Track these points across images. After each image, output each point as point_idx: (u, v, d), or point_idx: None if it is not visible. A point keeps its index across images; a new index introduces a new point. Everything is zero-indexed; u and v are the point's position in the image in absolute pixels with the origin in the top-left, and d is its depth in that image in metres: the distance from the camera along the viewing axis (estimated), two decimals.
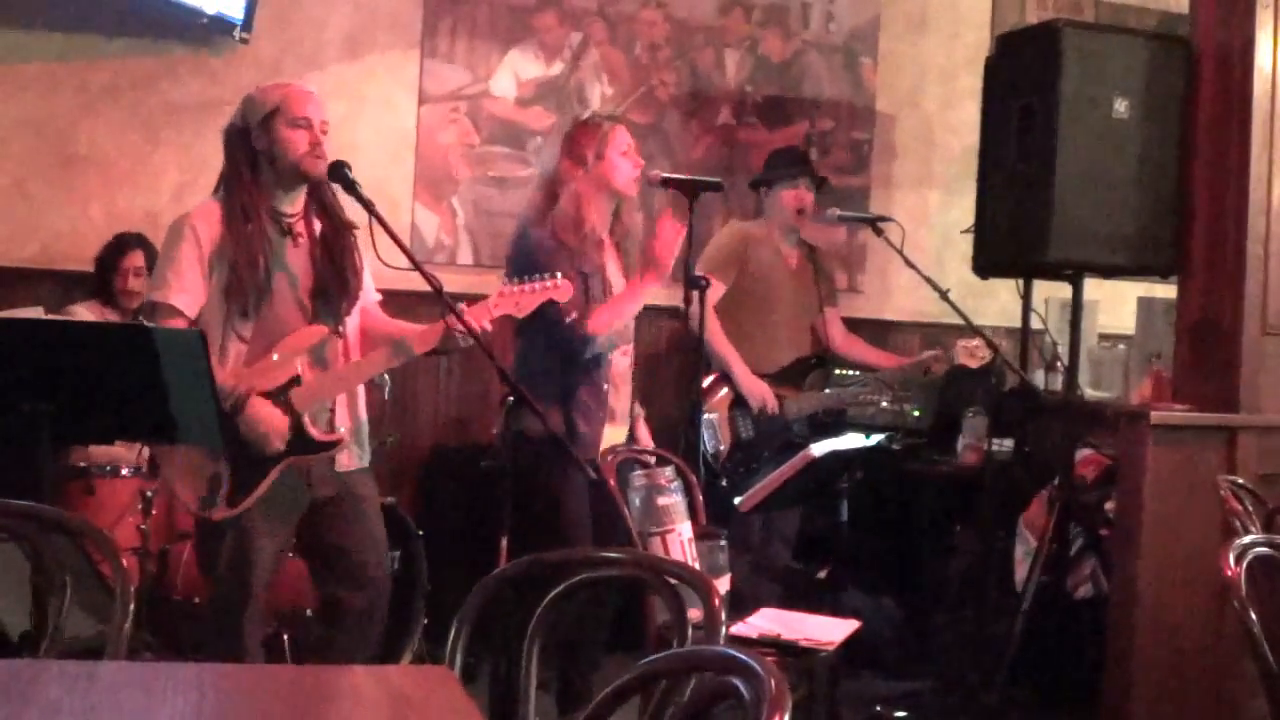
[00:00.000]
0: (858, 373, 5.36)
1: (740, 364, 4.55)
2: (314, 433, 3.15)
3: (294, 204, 3.20)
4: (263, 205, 3.14)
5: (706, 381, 4.47)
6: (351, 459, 3.29)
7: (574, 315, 3.59)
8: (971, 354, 4.57)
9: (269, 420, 3.08)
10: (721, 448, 4.48)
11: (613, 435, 3.85)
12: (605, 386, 3.78)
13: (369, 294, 3.36)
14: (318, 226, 3.23)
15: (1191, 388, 4.12)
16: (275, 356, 3.12)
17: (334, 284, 3.19)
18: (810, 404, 4.69)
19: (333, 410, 3.23)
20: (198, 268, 3.10)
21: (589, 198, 3.71)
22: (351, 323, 3.27)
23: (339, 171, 3.13)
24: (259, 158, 3.14)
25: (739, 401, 4.57)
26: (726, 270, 4.63)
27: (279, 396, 3.11)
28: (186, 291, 3.10)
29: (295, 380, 3.13)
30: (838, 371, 5.33)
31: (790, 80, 5.82)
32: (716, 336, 4.52)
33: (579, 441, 3.65)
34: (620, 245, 3.86)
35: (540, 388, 3.64)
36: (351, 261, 3.22)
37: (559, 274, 3.31)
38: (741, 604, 3.63)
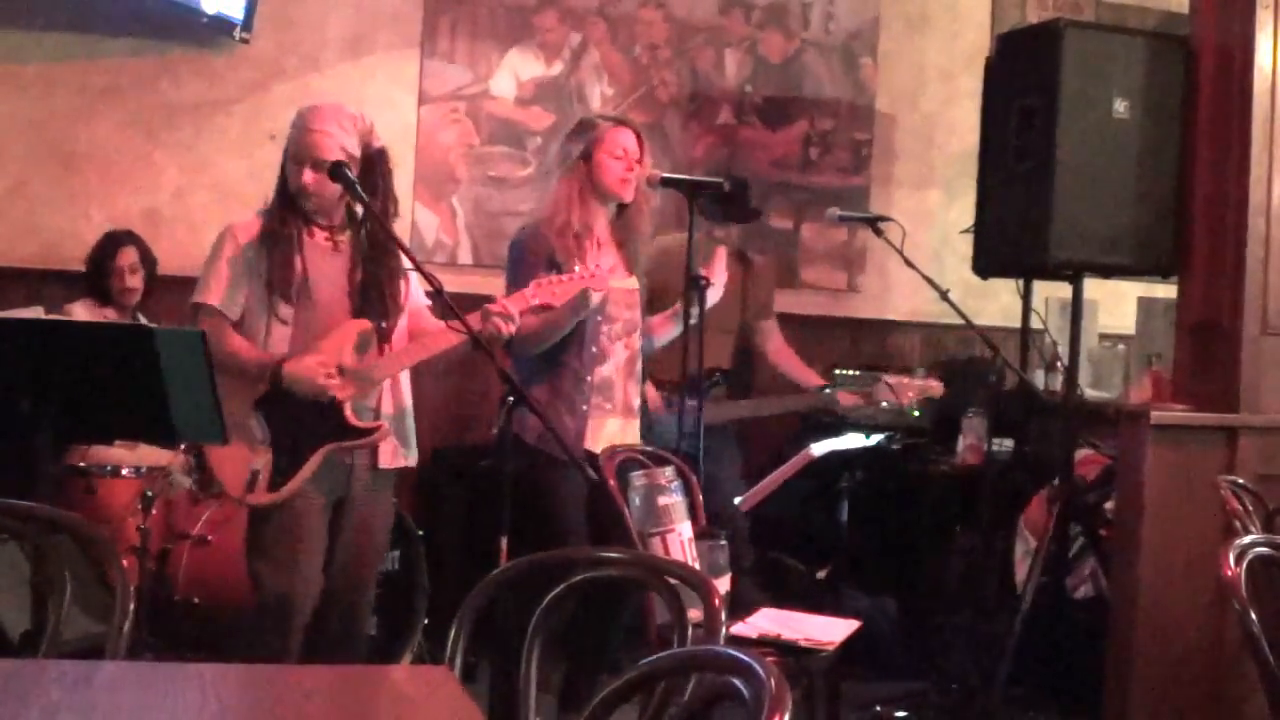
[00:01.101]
0: (857, 373, 5.36)
1: None
2: (352, 420, 3.18)
3: (333, 216, 3.26)
4: (300, 215, 3.22)
5: None
6: (395, 455, 3.31)
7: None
8: (894, 392, 4.46)
9: (311, 366, 3.12)
10: None
11: (621, 428, 3.83)
12: (588, 379, 3.76)
13: (417, 298, 3.40)
14: (362, 236, 3.27)
15: (1191, 388, 4.12)
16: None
17: (374, 291, 3.25)
18: (718, 414, 4.55)
19: (377, 407, 3.27)
20: (237, 269, 3.20)
21: (572, 197, 3.72)
22: (398, 326, 3.31)
23: (339, 172, 3.15)
24: None
25: None
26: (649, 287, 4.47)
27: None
28: (226, 293, 3.20)
29: (339, 369, 3.17)
30: (838, 372, 5.33)
31: (790, 80, 5.82)
32: None
33: (562, 435, 3.66)
34: (623, 246, 3.86)
35: (525, 382, 3.67)
36: (392, 280, 3.26)
37: (594, 265, 3.37)
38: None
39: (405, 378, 3.37)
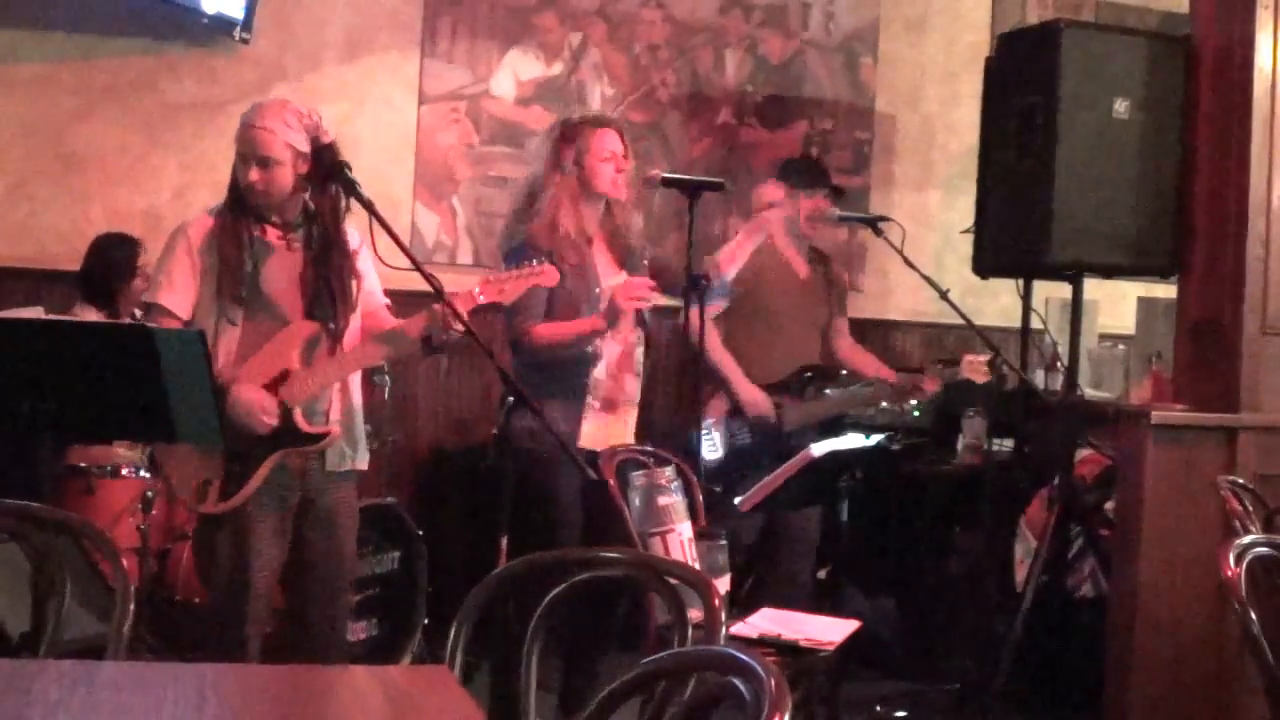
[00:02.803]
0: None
1: (738, 373, 4.44)
2: (302, 425, 3.17)
3: (284, 214, 3.24)
4: (251, 214, 3.21)
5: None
6: (340, 460, 3.30)
7: (527, 320, 3.67)
8: (976, 370, 4.49)
9: (254, 399, 3.11)
10: (718, 455, 4.42)
11: (614, 426, 3.83)
12: (585, 382, 3.77)
13: (373, 297, 3.39)
14: (314, 235, 3.25)
15: (1191, 388, 4.12)
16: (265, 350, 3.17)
17: (326, 291, 3.23)
18: (810, 413, 4.57)
19: (328, 409, 3.24)
20: (188, 268, 3.19)
21: (565, 202, 3.75)
22: (350, 327, 3.29)
23: (339, 172, 3.15)
24: None
25: (736, 410, 4.49)
26: (739, 280, 4.53)
27: (268, 390, 3.15)
28: (178, 292, 3.18)
29: (284, 375, 3.16)
30: (844, 372, 5.32)
31: (790, 80, 5.82)
32: (714, 346, 4.42)
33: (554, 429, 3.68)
34: (612, 241, 3.87)
35: (524, 380, 3.67)
36: (342, 280, 3.25)
37: (545, 261, 3.34)
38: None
39: (355, 380, 3.35)
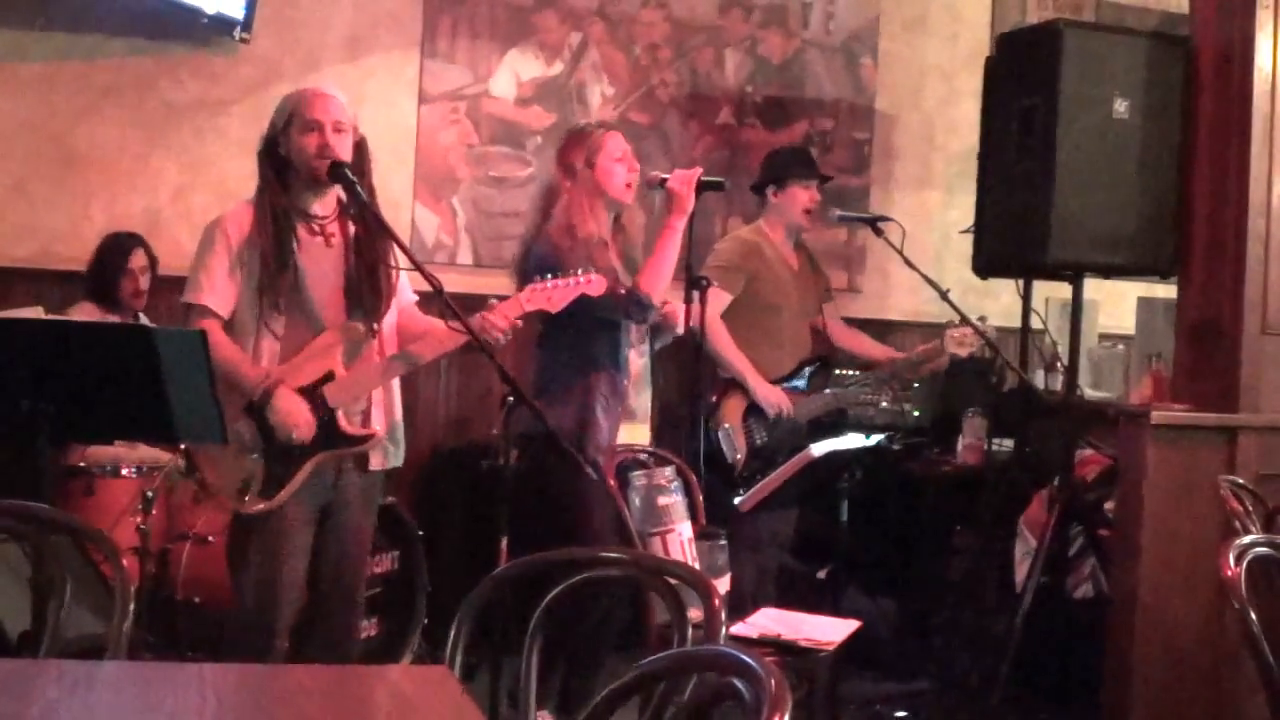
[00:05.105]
0: (857, 372, 5.36)
1: (754, 373, 4.43)
2: (346, 428, 3.16)
3: (325, 206, 3.22)
4: (292, 207, 3.16)
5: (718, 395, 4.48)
6: (384, 459, 3.29)
7: (622, 287, 3.63)
8: (960, 342, 4.51)
9: (295, 411, 3.08)
10: (739, 457, 4.43)
11: (634, 433, 3.85)
12: (625, 381, 3.78)
13: (405, 294, 3.37)
14: (352, 229, 3.23)
15: (1191, 388, 4.12)
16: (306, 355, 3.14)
17: (366, 286, 3.19)
18: (817, 406, 4.59)
19: (368, 409, 3.23)
20: (228, 268, 3.14)
21: (582, 206, 3.71)
22: (387, 322, 3.27)
23: (339, 171, 3.13)
24: (285, 163, 3.18)
25: (752, 410, 4.49)
26: (735, 278, 4.52)
27: (312, 392, 3.13)
28: (218, 293, 3.13)
29: (329, 376, 3.14)
30: (837, 371, 5.33)
31: (790, 80, 5.82)
32: (727, 346, 4.42)
33: (596, 434, 3.66)
34: (623, 252, 3.86)
35: (563, 381, 3.66)
36: (384, 265, 3.22)
37: (592, 269, 3.33)
38: (742, 605, 3.63)
39: (396, 388, 3.33)
